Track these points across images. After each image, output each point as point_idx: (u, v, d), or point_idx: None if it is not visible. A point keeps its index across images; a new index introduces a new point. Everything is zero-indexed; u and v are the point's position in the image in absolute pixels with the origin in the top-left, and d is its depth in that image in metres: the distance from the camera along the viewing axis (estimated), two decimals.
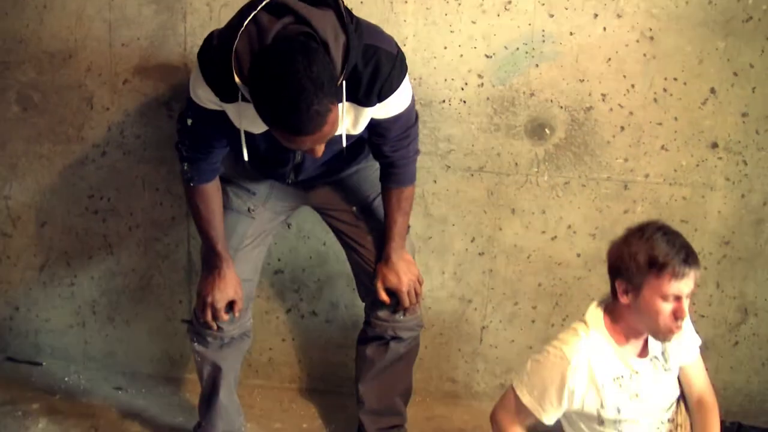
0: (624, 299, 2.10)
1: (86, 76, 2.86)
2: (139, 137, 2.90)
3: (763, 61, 2.71)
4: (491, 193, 2.87)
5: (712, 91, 2.74)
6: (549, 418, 2.20)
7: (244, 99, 1.98)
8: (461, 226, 2.91)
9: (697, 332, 2.34)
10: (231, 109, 2.08)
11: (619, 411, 2.18)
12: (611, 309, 2.18)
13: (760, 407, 3.09)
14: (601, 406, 2.18)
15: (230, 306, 2.38)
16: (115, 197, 3.00)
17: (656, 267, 2.02)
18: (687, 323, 2.22)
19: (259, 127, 2.07)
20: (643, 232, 2.10)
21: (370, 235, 2.49)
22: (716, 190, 2.85)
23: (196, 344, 2.47)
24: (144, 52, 2.81)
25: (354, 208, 2.50)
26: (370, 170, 2.50)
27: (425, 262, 2.94)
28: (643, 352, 2.21)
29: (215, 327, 2.39)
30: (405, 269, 2.44)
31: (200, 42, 2.14)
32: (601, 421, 2.19)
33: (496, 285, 2.96)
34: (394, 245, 2.42)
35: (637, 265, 2.05)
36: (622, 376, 2.17)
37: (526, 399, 2.20)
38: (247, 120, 2.05)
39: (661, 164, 2.83)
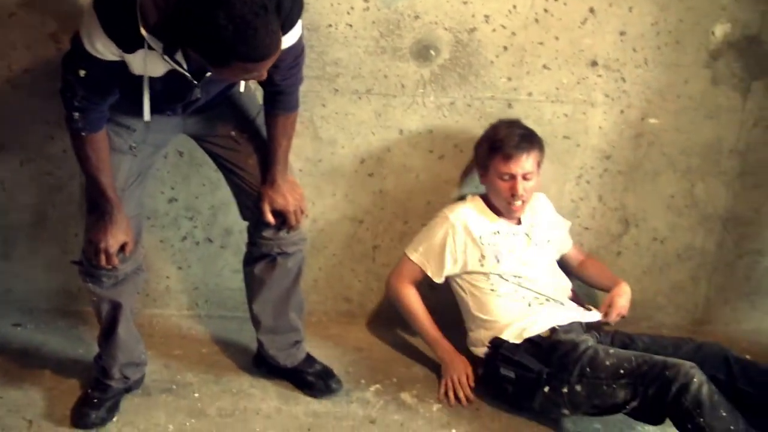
0: (483, 182, 2.85)
1: None
2: (28, 71, 2.91)
3: None
4: (379, 114, 3.03)
5: (591, 10, 2.92)
6: (435, 273, 2.90)
7: (150, 47, 2.07)
8: (350, 149, 3.07)
9: (582, 244, 3.15)
10: (134, 59, 2.14)
11: (498, 260, 2.81)
12: (484, 195, 2.89)
13: (642, 314, 3.40)
14: (482, 256, 2.78)
15: (122, 248, 2.47)
16: (6, 132, 3.02)
17: (493, 150, 2.74)
18: (557, 216, 3.04)
19: (161, 70, 2.17)
20: (495, 125, 2.84)
21: (251, 157, 2.59)
22: (596, 106, 3.08)
23: (90, 285, 2.55)
24: None
25: (233, 132, 2.59)
26: (245, 94, 2.59)
27: (316, 185, 3.10)
28: (512, 219, 2.87)
29: (109, 268, 2.48)
30: (290, 190, 2.59)
31: None
32: (488, 277, 2.83)
33: (386, 205, 3.15)
34: (279, 168, 2.56)
35: (484, 150, 2.80)
36: (498, 232, 2.84)
37: (414, 256, 2.90)
38: (151, 66, 2.14)
39: (543, 83, 3.02)
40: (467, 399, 2.81)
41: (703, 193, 3.21)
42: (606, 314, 2.84)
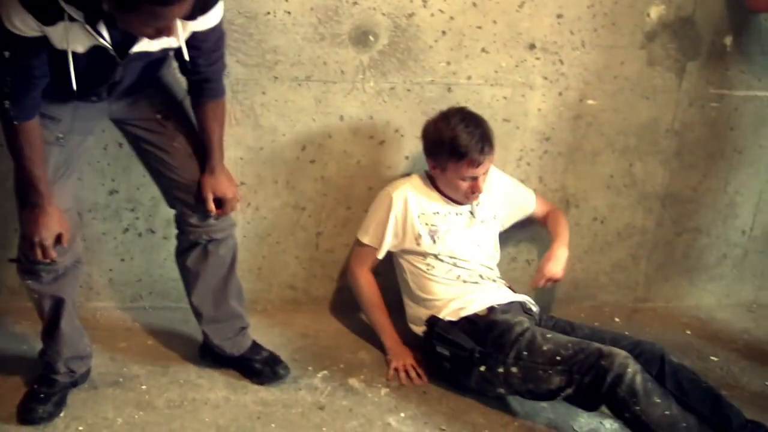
0: (434, 173, 2.86)
1: None
2: None
3: None
4: (319, 101, 3.06)
5: None
6: (383, 253, 2.95)
7: (71, 18, 2.06)
8: (291, 136, 3.09)
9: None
10: (55, 32, 2.12)
11: (434, 241, 2.86)
12: (430, 174, 2.91)
13: (585, 293, 3.50)
14: (419, 235, 2.85)
15: (57, 239, 2.45)
16: None
17: (457, 156, 2.72)
18: (512, 183, 3.10)
19: (84, 45, 2.15)
20: (449, 120, 2.77)
21: (176, 140, 2.59)
22: (535, 89, 3.15)
23: (29, 282, 2.53)
24: None
25: (158, 115, 2.58)
26: (167, 76, 2.60)
27: (258, 173, 3.12)
28: (458, 203, 2.86)
29: (47, 262, 2.46)
30: (230, 177, 2.62)
31: None
32: (425, 256, 2.90)
33: (328, 191, 3.19)
34: (217, 156, 2.58)
35: (442, 151, 2.76)
36: (438, 212, 2.88)
37: (365, 239, 2.97)
38: (73, 38, 2.12)
39: (482, 66, 3.08)
40: (419, 376, 2.90)
41: (641, 172, 3.30)
42: (534, 280, 2.94)
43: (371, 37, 2.95)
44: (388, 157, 3.12)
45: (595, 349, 2.48)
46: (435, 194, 2.94)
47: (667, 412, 2.40)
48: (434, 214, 2.93)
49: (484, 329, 2.72)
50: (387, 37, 2.95)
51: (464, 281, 2.91)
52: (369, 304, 3.05)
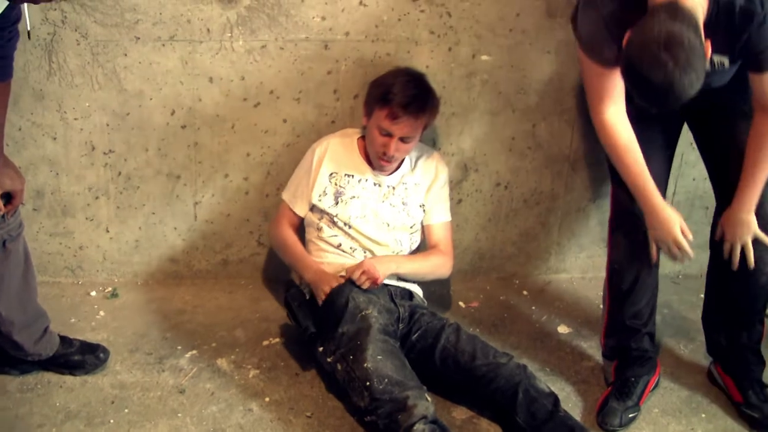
0: (364, 121, 2.80)
1: None
2: None
3: None
4: (186, 62, 2.97)
5: None
6: (300, 208, 2.93)
7: None
8: (159, 100, 3.01)
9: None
10: None
11: (336, 203, 2.84)
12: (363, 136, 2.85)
13: (491, 264, 3.39)
14: (324, 192, 2.81)
15: None
16: None
17: (382, 101, 2.67)
18: (443, 190, 2.98)
19: None
20: (398, 72, 2.78)
21: None
22: (421, 44, 3.01)
23: None
24: None
25: None
26: None
27: (126, 140, 3.05)
28: (380, 171, 2.84)
29: None
30: (15, 168, 2.49)
31: None
32: (322, 216, 2.87)
33: (203, 158, 3.11)
34: (2, 146, 2.43)
35: (374, 95, 2.72)
36: (352, 175, 2.85)
37: (286, 196, 2.95)
38: None
39: (361, 21, 2.95)
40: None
41: (546, 133, 3.17)
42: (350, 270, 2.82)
43: None
44: (265, 121, 3.04)
45: (402, 399, 2.32)
46: (358, 157, 2.89)
47: None
48: (347, 175, 2.87)
49: (328, 308, 2.64)
50: None
51: (343, 251, 2.84)
52: (285, 248, 2.95)
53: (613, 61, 2.30)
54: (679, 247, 2.52)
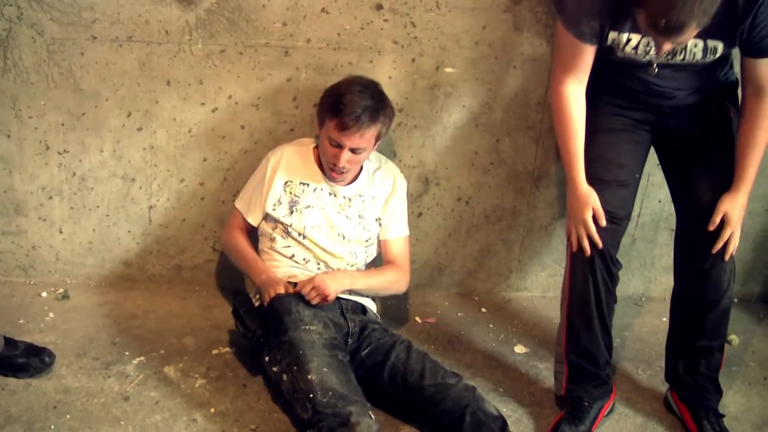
0: (317, 130, 2.76)
1: None
2: None
3: None
4: (143, 64, 2.94)
5: None
6: (252, 218, 2.89)
7: None
8: (115, 101, 2.98)
9: None
10: None
11: (291, 212, 2.81)
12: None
13: (450, 279, 3.36)
14: (279, 202, 2.78)
15: None
16: None
17: (333, 111, 2.62)
18: (401, 205, 2.96)
19: None
20: (351, 82, 2.72)
21: None
22: (384, 54, 2.98)
23: None
24: None
25: None
26: None
27: (81, 141, 3.02)
28: (335, 181, 2.80)
29: None
30: None
31: None
32: (276, 226, 2.84)
33: (159, 162, 3.08)
34: None
35: (326, 104, 2.67)
36: (307, 184, 2.81)
37: (239, 204, 2.91)
38: None
39: (322, 28, 2.92)
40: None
41: (509, 149, 3.14)
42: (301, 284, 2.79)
43: None
44: (222, 126, 3.02)
45: (345, 414, 2.29)
46: (313, 166, 2.86)
47: None
48: (302, 184, 2.84)
49: (272, 314, 2.63)
50: None
51: (296, 262, 2.82)
52: (235, 252, 2.92)
53: (590, 38, 2.39)
54: (588, 232, 2.54)
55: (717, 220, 2.54)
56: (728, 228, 2.53)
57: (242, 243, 2.91)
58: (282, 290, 2.68)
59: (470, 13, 2.92)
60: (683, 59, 2.45)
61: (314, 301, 2.66)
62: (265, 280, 2.74)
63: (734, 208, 2.53)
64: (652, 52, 2.42)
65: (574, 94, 2.55)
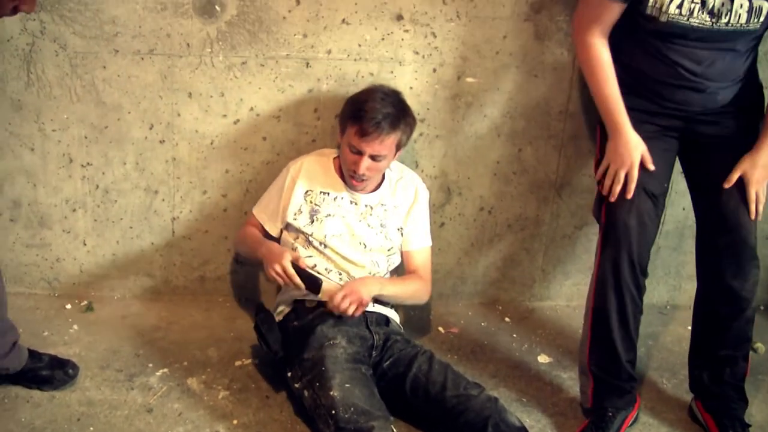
0: (338, 138, 2.76)
1: None
2: None
3: None
4: (165, 76, 2.96)
5: None
6: (271, 227, 2.89)
7: None
8: (137, 113, 3.01)
9: None
10: None
11: (312, 221, 2.80)
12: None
13: (473, 289, 3.36)
14: (299, 211, 2.78)
15: None
16: None
17: (354, 117, 2.63)
18: (423, 214, 2.94)
19: None
20: (374, 90, 2.74)
21: None
22: (405, 64, 2.99)
23: None
24: None
25: None
26: None
27: (104, 153, 3.05)
28: (356, 189, 2.80)
29: None
30: None
31: None
32: (297, 235, 2.83)
33: (181, 174, 3.11)
34: None
35: (347, 111, 2.70)
36: (328, 193, 2.80)
37: (256, 210, 2.91)
38: None
39: (343, 39, 2.94)
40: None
41: (532, 158, 3.13)
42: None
43: (217, 7, 2.85)
44: (244, 138, 3.03)
45: (368, 430, 2.28)
46: (333, 175, 2.86)
47: None
48: (322, 193, 2.84)
49: (297, 333, 2.63)
50: (235, 7, 2.85)
51: (318, 272, 2.76)
52: (243, 239, 2.93)
53: None
54: (632, 177, 2.53)
55: (734, 178, 2.53)
56: (751, 188, 2.53)
57: (251, 231, 2.91)
58: (286, 263, 2.61)
59: (490, 23, 2.91)
60: (728, 22, 2.42)
61: (350, 310, 2.63)
62: (264, 253, 2.68)
63: (754, 167, 2.52)
64: (697, 10, 2.40)
65: (601, 42, 2.54)
